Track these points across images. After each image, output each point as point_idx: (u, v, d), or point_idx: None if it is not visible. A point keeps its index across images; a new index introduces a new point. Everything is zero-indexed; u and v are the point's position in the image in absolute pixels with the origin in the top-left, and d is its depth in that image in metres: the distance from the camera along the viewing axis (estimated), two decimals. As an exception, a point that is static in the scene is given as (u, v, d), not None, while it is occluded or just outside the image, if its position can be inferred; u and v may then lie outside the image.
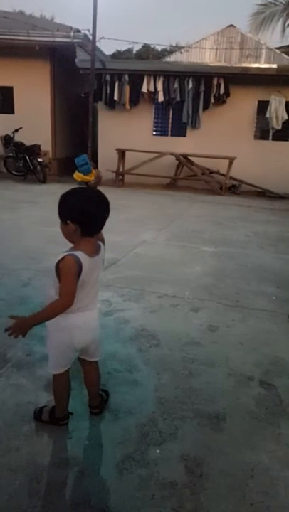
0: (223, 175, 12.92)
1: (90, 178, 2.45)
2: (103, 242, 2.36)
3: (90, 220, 2.13)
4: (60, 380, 2.44)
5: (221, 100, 13.46)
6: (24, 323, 2.09)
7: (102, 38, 17.55)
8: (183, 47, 31.50)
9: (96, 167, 2.45)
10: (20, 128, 13.18)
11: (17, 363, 3.13)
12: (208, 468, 2.25)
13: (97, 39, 12.50)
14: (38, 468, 2.19)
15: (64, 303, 2.11)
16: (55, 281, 2.17)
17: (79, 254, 2.10)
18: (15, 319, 2.10)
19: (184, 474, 2.20)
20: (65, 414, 2.52)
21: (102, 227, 2.22)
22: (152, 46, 40.63)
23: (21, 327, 2.08)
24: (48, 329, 2.29)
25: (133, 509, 1.98)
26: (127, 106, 13.82)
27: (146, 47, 39.78)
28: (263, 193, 13.09)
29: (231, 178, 12.86)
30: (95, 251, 2.21)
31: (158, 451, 2.35)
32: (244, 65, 14.73)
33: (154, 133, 14.53)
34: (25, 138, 13.00)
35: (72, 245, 2.22)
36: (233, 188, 13.21)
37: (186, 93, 13.37)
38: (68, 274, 2.08)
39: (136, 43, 37.62)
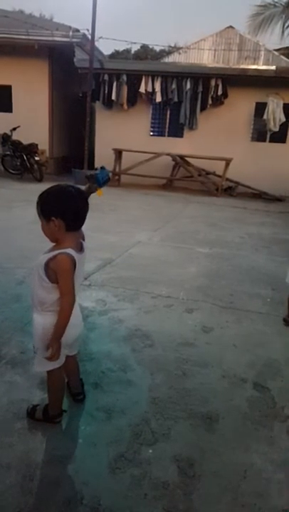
0: (219, 176, 12.95)
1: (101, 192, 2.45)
2: (83, 239, 2.38)
3: (75, 214, 2.17)
4: (56, 376, 2.45)
5: (218, 101, 13.48)
6: (56, 345, 2.20)
7: (101, 37, 17.57)
8: (181, 48, 31.56)
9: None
10: (18, 127, 13.15)
11: (11, 360, 3.13)
12: (200, 469, 2.26)
13: (95, 39, 12.49)
14: (31, 466, 2.19)
15: (70, 300, 2.17)
16: (44, 281, 2.18)
17: (70, 251, 2.13)
18: (50, 348, 2.21)
19: (177, 475, 2.21)
20: (59, 411, 2.52)
21: (84, 221, 2.25)
22: (151, 47, 40.72)
23: (57, 350, 2.21)
24: (40, 330, 2.28)
25: (125, 508, 1.99)
26: (125, 106, 13.82)
27: (144, 47, 39.80)
28: (259, 195, 13.11)
29: (227, 179, 12.88)
30: (80, 247, 2.26)
31: (151, 451, 2.35)
32: (242, 66, 14.79)
33: (151, 133, 14.53)
34: (22, 137, 12.98)
35: (53, 244, 2.25)
36: (229, 190, 13.22)
37: (184, 94, 13.39)
38: (66, 272, 2.11)
39: (134, 43, 37.57)
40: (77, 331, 2.46)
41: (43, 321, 2.26)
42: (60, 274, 2.12)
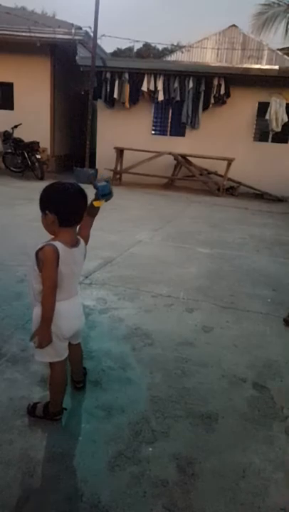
0: (221, 176, 12.94)
1: (101, 203, 2.48)
2: (86, 240, 2.48)
3: (66, 210, 2.24)
4: (57, 370, 2.47)
5: (221, 101, 13.46)
6: (41, 333, 2.26)
7: (103, 35, 17.63)
8: (184, 46, 31.49)
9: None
10: (20, 124, 13.15)
11: (12, 357, 3.14)
12: (199, 467, 2.27)
13: (98, 37, 12.50)
14: (31, 463, 2.21)
15: (48, 291, 2.22)
16: (35, 270, 2.26)
17: (57, 243, 2.21)
18: (35, 336, 2.27)
19: (176, 473, 2.22)
20: (59, 409, 2.54)
21: (79, 219, 2.32)
22: (153, 45, 40.75)
23: (42, 338, 2.27)
24: (35, 320, 2.35)
25: (124, 505, 2.00)
26: (127, 104, 13.81)
27: (147, 45, 39.79)
28: (260, 196, 13.11)
29: (229, 179, 12.87)
30: (73, 243, 2.32)
31: (150, 449, 2.36)
32: (245, 65, 14.73)
33: (153, 132, 14.53)
34: (24, 134, 12.99)
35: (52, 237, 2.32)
36: (231, 190, 13.22)
37: (186, 93, 13.37)
38: (48, 262, 2.18)
39: (137, 41, 37.70)
40: (76, 325, 2.49)
41: (37, 311, 2.33)
42: (43, 264, 2.19)
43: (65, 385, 2.59)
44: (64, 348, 2.45)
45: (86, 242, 2.47)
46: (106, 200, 2.50)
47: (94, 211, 2.49)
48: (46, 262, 2.18)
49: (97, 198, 2.44)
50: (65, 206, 2.23)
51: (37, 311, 2.33)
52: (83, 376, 2.87)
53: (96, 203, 2.45)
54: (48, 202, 2.24)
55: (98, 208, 2.48)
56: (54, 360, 2.42)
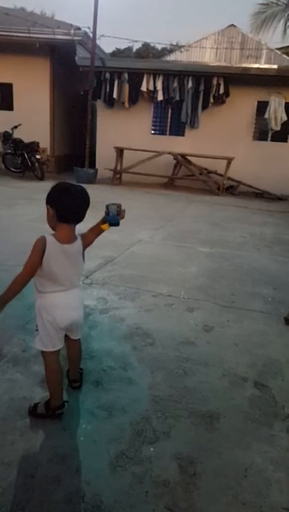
0: (221, 175, 12.93)
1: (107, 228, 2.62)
2: (88, 244, 2.59)
3: (63, 207, 2.35)
4: (50, 360, 2.52)
5: (220, 100, 13.46)
6: None
7: (102, 35, 17.61)
8: (183, 46, 31.48)
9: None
10: (19, 125, 13.15)
11: (13, 358, 3.14)
12: (201, 467, 2.26)
13: (97, 37, 12.49)
14: (33, 463, 2.20)
15: (23, 272, 2.36)
16: None
17: (48, 237, 2.36)
18: None
19: (177, 473, 2.21)
20: (60, 403, 2.55)
21: (78, 218, 2.41)
22: (152, 45, 40.63)
23: None
24: (35, 307, 2.49)
25: (126, 506, 1.99)
26: (126, 104, 13.80)
27: (146, 45, 39.71)
28: (260, 195, 13.10)
29: (229, 178, 12.86)
30: (67, 240, 2.41)
31: (152, 449, 2.36)
32: (244, 65, 14.73)
33: (153, 132, 14.53)
34: (23, 135, 12.98)
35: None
36: (231, 189, 13.21)
37: (186, 92, 13.37)
38: (33, 250, 2.33)
39: (136, 41, 37.57)
40: (71, 316, 2.52)
41: (37, 303, 2.48)
42: (31, 251, 2.33)
43: (62, 377, 2.62)
44: (59, 339, 2.51)
45: (86, 245, 2.57)
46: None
47: (100, 230, 2.61)
48: (33, 248, 2.32)
49: (104, 222, 2.57)
50: (62, 203, 2.34)
51: (37, 303, 2.46)
52: (79, 375, 2.90)
53: (103, 226, 2.59)
54: (50, 197, 2.36)
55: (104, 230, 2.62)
56: (48, 349, 2.48)
